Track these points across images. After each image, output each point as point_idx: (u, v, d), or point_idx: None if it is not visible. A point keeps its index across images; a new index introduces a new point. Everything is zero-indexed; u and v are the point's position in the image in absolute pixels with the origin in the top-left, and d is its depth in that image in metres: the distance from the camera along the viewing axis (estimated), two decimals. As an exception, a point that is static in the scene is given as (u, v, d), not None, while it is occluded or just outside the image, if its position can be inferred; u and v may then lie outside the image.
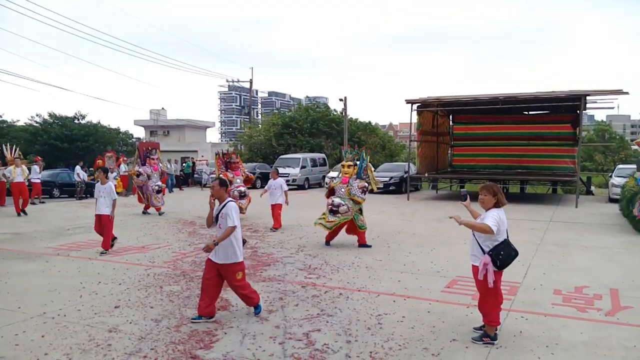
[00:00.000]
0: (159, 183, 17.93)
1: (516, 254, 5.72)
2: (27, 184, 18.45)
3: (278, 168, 29.74)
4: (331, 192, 11.76)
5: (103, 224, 10.69)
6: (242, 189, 16.18)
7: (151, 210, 17.59)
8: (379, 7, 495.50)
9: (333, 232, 11.58)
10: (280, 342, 5.71)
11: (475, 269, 5.77)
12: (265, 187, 14.64)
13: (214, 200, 6.56)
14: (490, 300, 5.74)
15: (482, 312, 5.86)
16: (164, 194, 18.07)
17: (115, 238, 11.09)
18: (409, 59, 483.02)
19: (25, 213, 17.13)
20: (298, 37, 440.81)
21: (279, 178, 14.42)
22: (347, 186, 11.39)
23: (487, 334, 5.73)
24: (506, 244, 5.66)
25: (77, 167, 26.70)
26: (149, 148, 18.74)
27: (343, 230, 11.62)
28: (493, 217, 5.59)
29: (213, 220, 6.52)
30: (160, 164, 19.16)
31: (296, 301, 7.28)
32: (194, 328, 6.13)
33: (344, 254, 10.60)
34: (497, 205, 5.73)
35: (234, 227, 6.28)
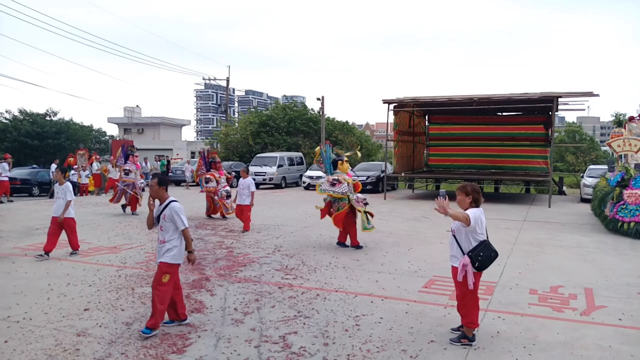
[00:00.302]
0: (143, 181, 17.54)
1: (496, 255, 5.67)
2: None
3: (252, 166, 29.57)
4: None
5: (62, 226, 10.22)
6: (229, 188, 15.98)
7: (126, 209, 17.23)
8: (360, 7, 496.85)
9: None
10: (255, 346, 5.58)
11: (455, 270, 5.72)
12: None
13: (153, 201, 6.18)
14: (469, 301, 5.68)
15: (460, 314, 5.81)
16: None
17: (47, 253, 10.03)
18: (388, 60, 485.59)
19: None
20: (276, 36, 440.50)
21: (249, 177, 13.85)
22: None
23: (465, 335, 5.68)
24: (486, 244, 5.61)
25: (53, 166, 26.36)
26: (131, 146, 18.17)
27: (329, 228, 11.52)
28: (472, 212, 5.57)
29: (154, 221, 6.19)
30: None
31: (272, 302, 7.16)
32: (167, 331, 5.97)
33: (321, 254, 10.50)
34: (475, 204, 5.70)
35: (187, 228, 6.06)
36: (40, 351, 5.36)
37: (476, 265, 5.52)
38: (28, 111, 50.63)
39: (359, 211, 10.98)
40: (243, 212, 13.49)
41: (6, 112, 50.40)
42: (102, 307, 6.88)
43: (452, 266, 5.79)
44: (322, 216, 11.59)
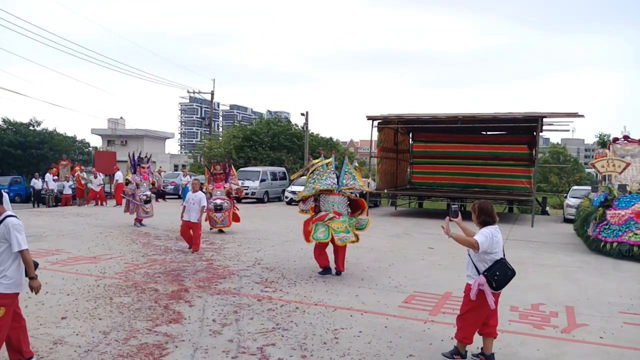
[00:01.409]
0: (147, 193, 17.06)
1: (513, 273, 5.50)
2: None
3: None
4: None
5: None
6: (219, 201, 15.24)
7: (143, 222, 16.92)
8: (346, 24, 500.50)
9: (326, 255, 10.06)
10: (233, 357, 5.52)
11: (468, 287, 5.56)
12: (183, 202, 12.69)
13: None
14: (470, 318, 5.53)
15: (457, 326, 5.66)
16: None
17: None
18: (373, 77, 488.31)
19: None
20: (261, 51, 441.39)
21: (200, 192, 12.53)
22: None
23: (459, 352, 5.58)
24: (502, 263, 5.45)
25: (48, 175, 26.36)
26: (140, 157, 17.62)
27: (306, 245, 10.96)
28: (483, 234, 5.43)
29: None
30: (151, 174, 18.09)
31: (251, 315, 7.10)
32: (144, 341, 5.89)
33: (302, 268, 10.46)
34: (488, 222, 5.57)
35: (26, 250, 4.99)
36: (14, 358, 5.26)
37: (493, 285, 5.35)
38: (12, 120, 50.21)
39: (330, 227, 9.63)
40: (193, 231, 12.17)
41: (-11, 121, 49.92)
42: (79, 316, 6.79)
43: (467, 284, 5.63)
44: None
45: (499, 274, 5.36)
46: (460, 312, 5.73)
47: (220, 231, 15.43)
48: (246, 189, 28.47)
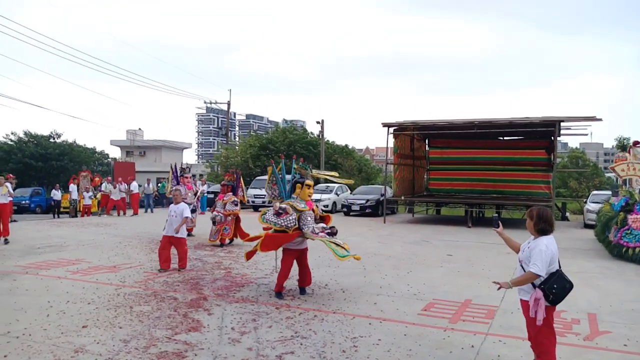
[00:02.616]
0: (194, 202, 16.87)
1: (571, 286, 5.05)
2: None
3: (252, 189, 29.16)
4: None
5: None
6: (214, 213, 14.75)
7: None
8: (361, 32, 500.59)
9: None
10: (252, 365, 5.53)
11: (524, 304, 5.18)
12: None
13: None
14: (545, 340, 5.07)
15: (535, 353, 5.23)
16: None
17: None
18: (386, 84, 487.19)
19: (7, 241, 14.78)
20: (277, 60, 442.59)
21: (182, 203, 11.23)
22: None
23: None
24: (559, 275, 5.00)
25: (72, 186, 26.71)
26: (182, 167, 17.28)
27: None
28: (538, 258, 4.95)
29: None
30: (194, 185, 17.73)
31: (269, 323, 7.11)
32: (163, 349, 5.92)
33: (320, 276, 10.45)
34: (546, 231, 5.15)
35: None
36: (36, 367, 5.34)
37: (550, 298, 4.92)
38: (33, 133, 50.99)
39: (322, 242, 8.57)
40: (176, 247, 10.98)
41: (12, 134, 50.73)
42: (100, 325, 6.85)
43: (521, 300, 5.21)
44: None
45: (557, 286, 4.93)
46: (531, 338, 5.21)
47: (221, 245, 14.64)
48: (263, 197, 28.55)
